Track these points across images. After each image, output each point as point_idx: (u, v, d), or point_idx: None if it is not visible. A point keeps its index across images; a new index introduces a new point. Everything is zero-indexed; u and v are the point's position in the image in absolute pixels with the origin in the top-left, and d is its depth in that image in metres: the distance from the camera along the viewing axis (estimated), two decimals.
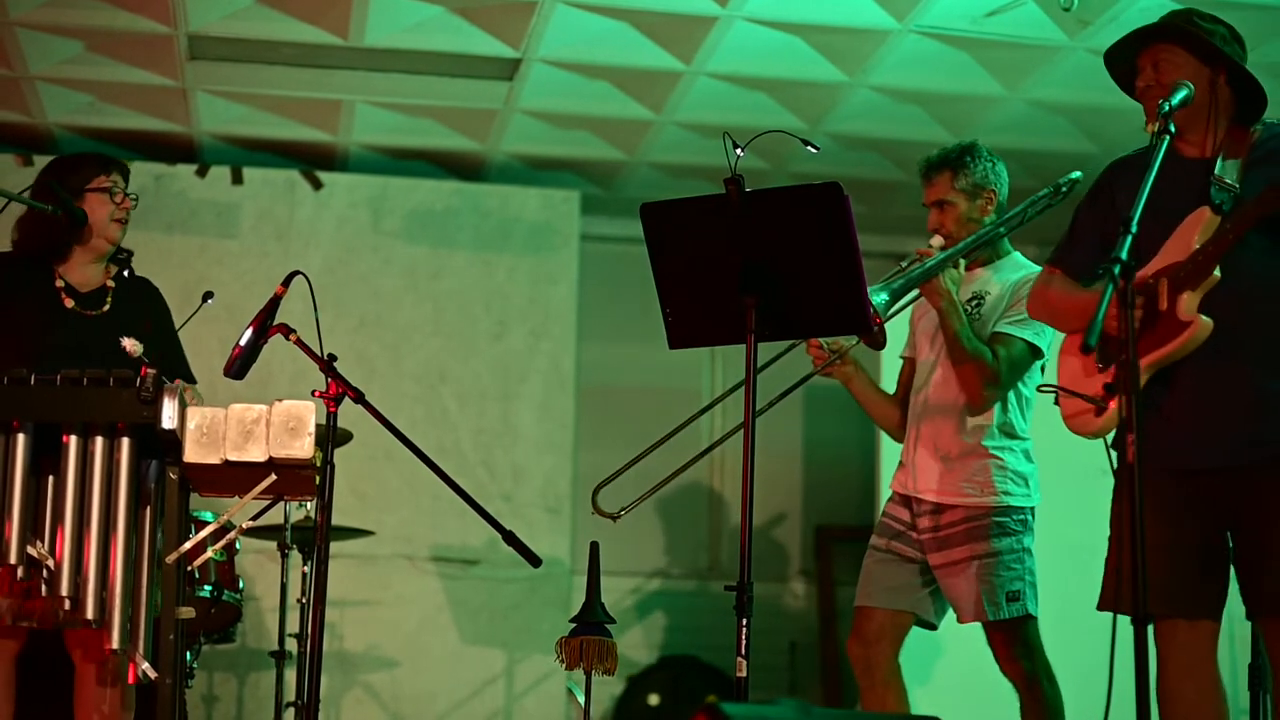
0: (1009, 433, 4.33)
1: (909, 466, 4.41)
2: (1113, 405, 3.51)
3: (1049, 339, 4.31)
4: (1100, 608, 3.54)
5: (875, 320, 4.12)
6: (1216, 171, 3.43)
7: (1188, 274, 3.39)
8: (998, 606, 4.19)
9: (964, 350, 4.24)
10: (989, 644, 4.28)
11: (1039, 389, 4.21)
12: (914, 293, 4.31)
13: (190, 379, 4.42)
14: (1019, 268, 4.45)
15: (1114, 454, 3.72)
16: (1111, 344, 3.50)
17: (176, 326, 4.50)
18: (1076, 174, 4.49)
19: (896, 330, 4.54)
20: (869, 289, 4.14)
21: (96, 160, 4.41)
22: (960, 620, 4.28)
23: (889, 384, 4.76)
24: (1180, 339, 3.38)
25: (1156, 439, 3.36)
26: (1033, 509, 4.36)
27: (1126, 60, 3.62)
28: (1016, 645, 4.23)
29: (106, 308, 4.32)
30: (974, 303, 4.38)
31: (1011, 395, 4.33)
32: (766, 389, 3.81)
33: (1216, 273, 3.36)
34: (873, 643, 4.32)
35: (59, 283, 4.31)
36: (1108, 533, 3.50)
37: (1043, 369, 4.39)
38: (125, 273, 4.43)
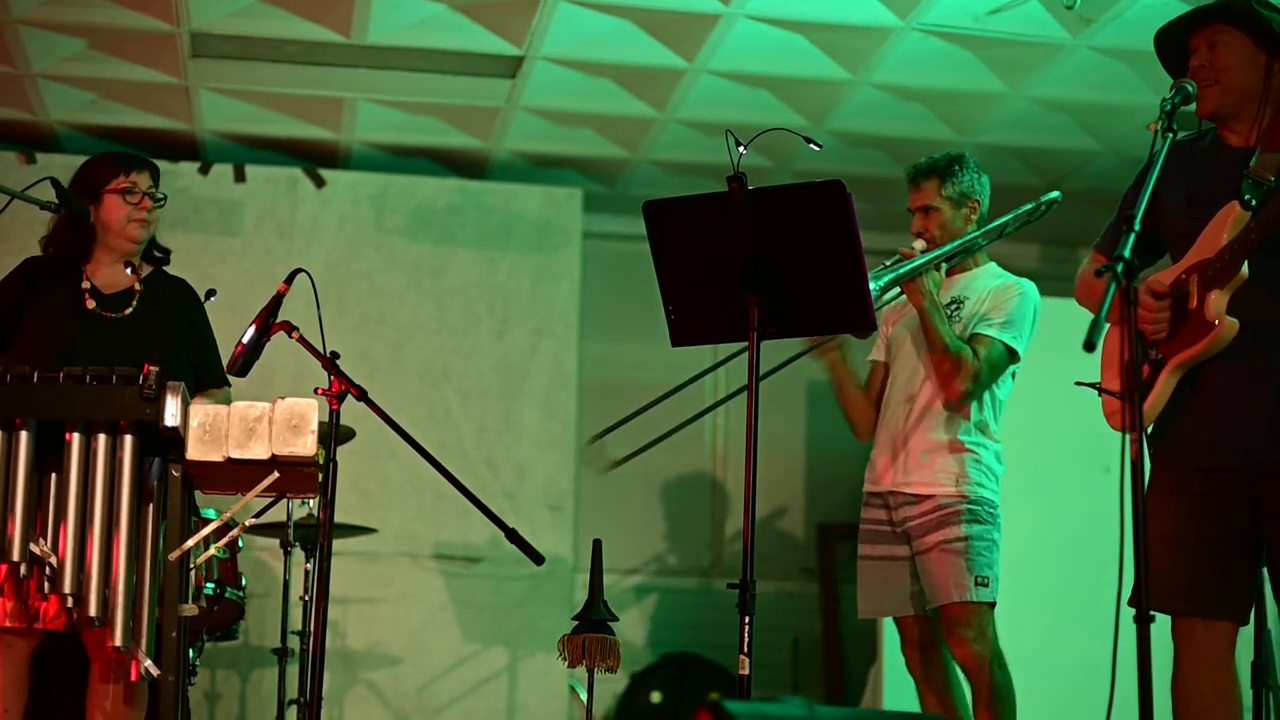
0: (984, 431, 4.46)
1: (881, 464, 4.50)
2: (1148, 401, 3.51)
3: (1026, 344, 4.42)
4: (1130, 602, 3.54)
5: None
6: (1253, 163, 3.40)
7: (1216, 272, 3.39)
8: (966, 589, 4.28)
9: (945, 347, 4.35)
10: (943, 627, 4.35)
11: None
12: (895, 290, 4.41)
13: (224, 382, 4.39)
14: (996, 276, 4.61)
15: (1148, 450, 3.72)
16: (1144, 341, 3.49)
17: None
18: (1055, 194, 4.67)
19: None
20: None
21: (114, 160, 4.36)
22: (932, 604, 4.34)
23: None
24: (1205, 340, 3.39)
25: (1184, 437, 3.36)
26: (998, 505, 4.46)
27: (1178, 40, 3.58)
28: (972, 629, 4.31)
29: (130, 310, 4.27)
30: (953, 306, 4.52)
31: (987, 396, 4.48)
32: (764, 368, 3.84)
33: (1244, 270, 3.35)
34: (926, 648, 4.44)
35: (85, 284, 4.28)
36: (1110, 528, 3.49)
37: (1013, 375, 4.47)
38: (155, 272, 4.40)
